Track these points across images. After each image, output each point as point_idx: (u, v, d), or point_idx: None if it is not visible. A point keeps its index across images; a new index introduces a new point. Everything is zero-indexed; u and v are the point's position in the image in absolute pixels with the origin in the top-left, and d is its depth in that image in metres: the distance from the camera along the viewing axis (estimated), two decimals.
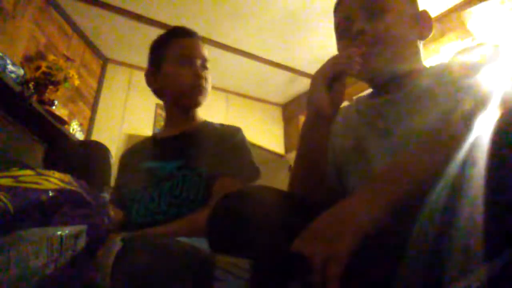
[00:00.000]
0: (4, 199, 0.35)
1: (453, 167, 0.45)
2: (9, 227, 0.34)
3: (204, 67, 1.12)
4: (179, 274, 0.46)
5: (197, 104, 1.13)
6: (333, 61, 0.71)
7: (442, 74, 0.74)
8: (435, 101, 0.70)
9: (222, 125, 1.18)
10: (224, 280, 0.48)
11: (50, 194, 0.36)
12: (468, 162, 0.43)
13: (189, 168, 1.00)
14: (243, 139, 1.11)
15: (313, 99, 0.71)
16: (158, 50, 1.16)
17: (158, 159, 1.05)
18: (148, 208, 0.98)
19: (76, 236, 0.37)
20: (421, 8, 0.85)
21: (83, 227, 0.39)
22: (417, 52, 0.82)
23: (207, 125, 1.15)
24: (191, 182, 0.97)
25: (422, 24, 0.82)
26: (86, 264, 0.39)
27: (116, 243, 0.43)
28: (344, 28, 0.82)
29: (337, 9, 0.87)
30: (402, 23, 0.79)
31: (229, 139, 1.08)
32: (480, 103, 0.53)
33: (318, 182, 0.74)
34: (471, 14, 2.52)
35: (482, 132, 0.44)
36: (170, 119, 1.17)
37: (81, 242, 0.38)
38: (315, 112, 0.71)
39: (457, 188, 0.43)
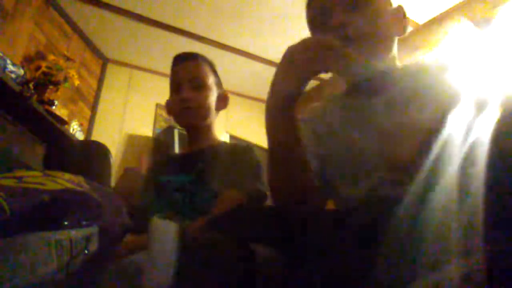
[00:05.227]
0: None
1: (449, 168, 0.45)
2: (7, 229, 0.32)
3: (196, 87, 1.13)
4: (228, 266, 0.45)
5: (189, 125, 1.16)
6: (310, 54, 0.60)
7: (427, 75, 0.72)
8: (428, 102, 0.67)
9: (235, 144, 1.21)
10: (264, 269, 0.47)
11: (53, 195, 0.34)
12: (467, 162, 0.43)
13: (199, 184, 1.03)
14: (251, 157, 1.10)
15: (282, 88, 0.63)
16: None
17: (172, 174, 1.10)
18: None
19: (87, 239, 0.35)
20: (399, 3, 0.79)
21: (94, 229, 0.37)
22: (394, 50, 0.77)
23: (220, 145, 1.17)
24: (202, 198, 1.00)
25: (399, 20, 0.77)
26: (100, 268, 0.37)
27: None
28: (321, 22, 0.75)
29: (312, 1, 0.79)
30: (384, 17, 0.74)
31: (238, 158, 1.09)
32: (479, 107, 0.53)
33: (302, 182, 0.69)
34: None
35: (481, 132, 0.44)
36: (187, 138, 1.24)
37: (93, 245, 0.36)
38: (282, 101, 0.64)
39: (456, 187, 0.43)
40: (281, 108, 0.64)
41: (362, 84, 0.77)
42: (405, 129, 0.67)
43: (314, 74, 0.61)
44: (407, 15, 0.78)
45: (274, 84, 0.64)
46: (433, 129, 0.57)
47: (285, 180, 0.68)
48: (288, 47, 0.63)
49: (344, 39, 0.66)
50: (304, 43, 0.61)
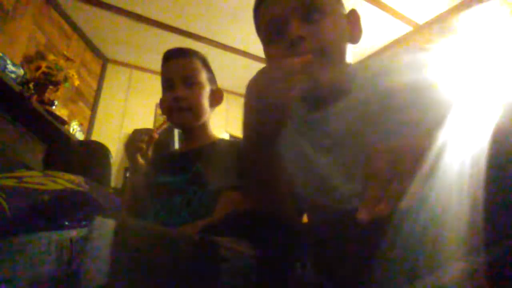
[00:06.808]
0: None
1: (450, 165, 0.44)
2: (7, 229, 0.32)
3: (189, 84, 1.10)
4: (184, 257, 0.46)
5: (183, 126, 1.13)
6: (280, 85, 0.55)
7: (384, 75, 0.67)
8: (389, 113, 0.62)
9: (234, 142, 1.17)
10: (230, 259, 0.48)
11: (53, 195, 0.34)
12: (467, 162, 0.43)
13: (197, 184, 1.01)
14: None
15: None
16: None
17: (169, 174, 1.08)
18: (159, 218, 1.00)
19: (87, 239, 0.35)
20: (352, 7, 0.75)
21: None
22: (349, 57, 0.73)
23: (218, 142, 1.14)
24: (201, 199, 0.98)
25: (353, 26, 0.73)
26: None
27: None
28: (276, 30, 0.70)
29: (263, 6, 0.73)
30: (340, 27, 0.70)
31: (236, 155, 1.06)
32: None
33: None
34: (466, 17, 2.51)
35: (481, 131, 0.43)
36: (184, 136, 1.21)
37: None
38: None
39: (456, 187, 0.43)
40: (265, 145, 0.63)
41: (320, 96, 0.72)
42: (372, 136, 0.63)
43: (290, 104, 0.57)
44: (360, 19, 0.75)
45: (247, 124, 0.63)
46: (411, 134, 0.53)
47: (265, 196, 0.69)
48: (250, 82, 0.59)
49: (302, 53, 0.62)
50: (267, 74, 0.56)
